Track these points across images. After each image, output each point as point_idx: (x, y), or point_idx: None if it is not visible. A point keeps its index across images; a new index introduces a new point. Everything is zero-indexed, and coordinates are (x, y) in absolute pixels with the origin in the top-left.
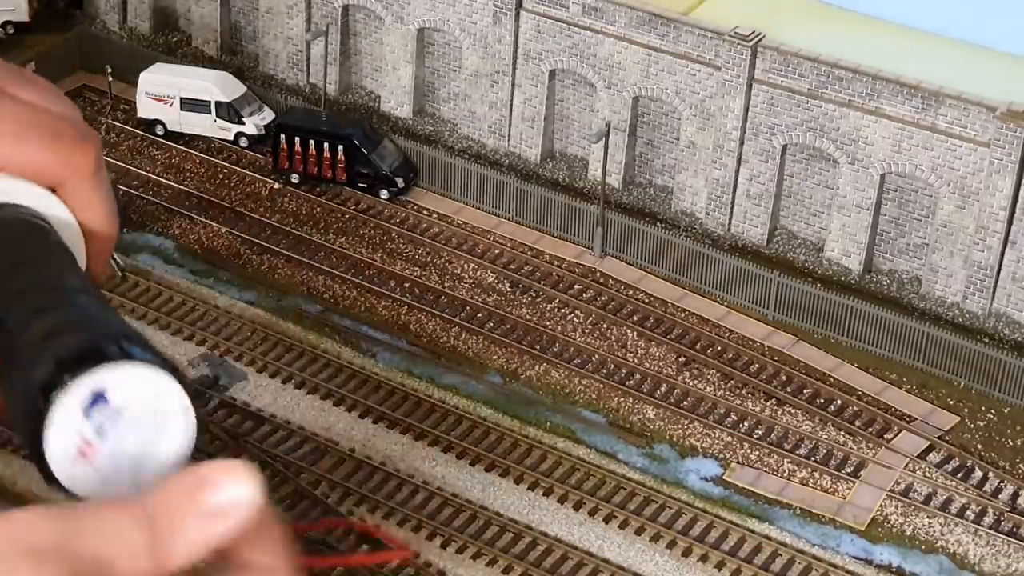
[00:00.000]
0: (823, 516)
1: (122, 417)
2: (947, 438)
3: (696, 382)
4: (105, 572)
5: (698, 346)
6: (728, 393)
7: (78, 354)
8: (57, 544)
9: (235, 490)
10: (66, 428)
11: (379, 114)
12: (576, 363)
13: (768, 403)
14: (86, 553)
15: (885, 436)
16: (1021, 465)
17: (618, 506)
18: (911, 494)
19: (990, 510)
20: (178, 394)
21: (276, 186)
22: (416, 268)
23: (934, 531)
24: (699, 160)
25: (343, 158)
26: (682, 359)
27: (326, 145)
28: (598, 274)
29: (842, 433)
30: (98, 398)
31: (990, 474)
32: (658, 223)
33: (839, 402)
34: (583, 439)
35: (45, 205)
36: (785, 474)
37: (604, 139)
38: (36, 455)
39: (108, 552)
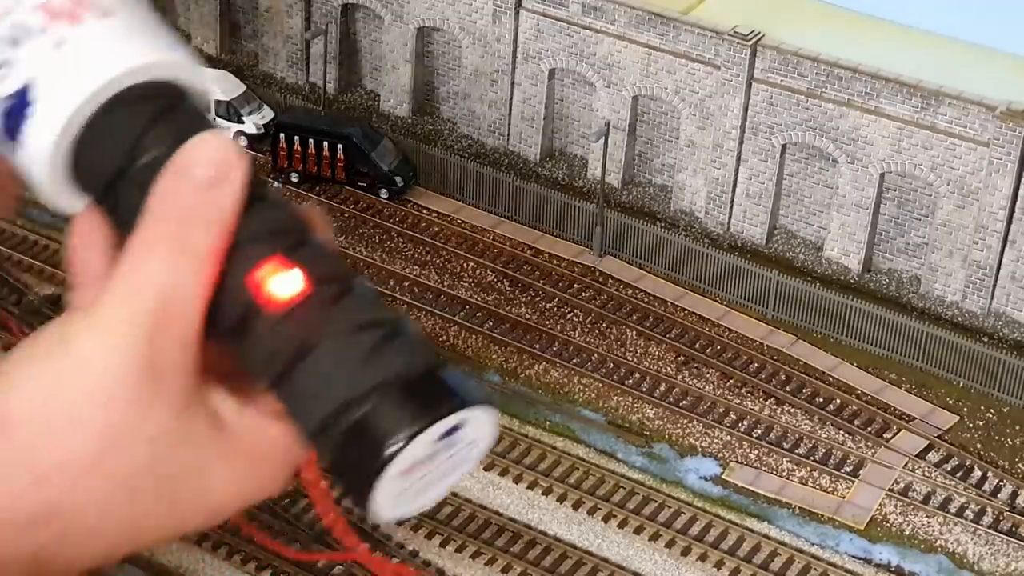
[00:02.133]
0: (822, 515)
1: (451, 449)
2: (946, 437)
3: (695, 381)
4: (167, 308)
5: (697, 345)
6: (727, 392)
7: (448, 383)
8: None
9: (215, 152)
10: (418, 449)
11: (378, 113)
12: (575, 362)
13: (767, 402)
14: (146, 316)
15: (884, 435)
16: (1020, 464)
17: (617, 505)
18: (910, 493)
19: (989, 509)
20: (489, 442)
21: (275, 185)
22: (415, 267)
23: (933, 530)
24: (698, 159)
25: (343, 157)
26: (681, 358)
27: (325, 144)
28: (597, 273)
29: (841, 432)
30: (454, 429)
31: (989, 473)
32: (657, 222)
33: (838, 401)
34: (582, 438)
35: None
36: (784, 473)
37: (603, 138)
38: (365, 463)
39: (161, 311)
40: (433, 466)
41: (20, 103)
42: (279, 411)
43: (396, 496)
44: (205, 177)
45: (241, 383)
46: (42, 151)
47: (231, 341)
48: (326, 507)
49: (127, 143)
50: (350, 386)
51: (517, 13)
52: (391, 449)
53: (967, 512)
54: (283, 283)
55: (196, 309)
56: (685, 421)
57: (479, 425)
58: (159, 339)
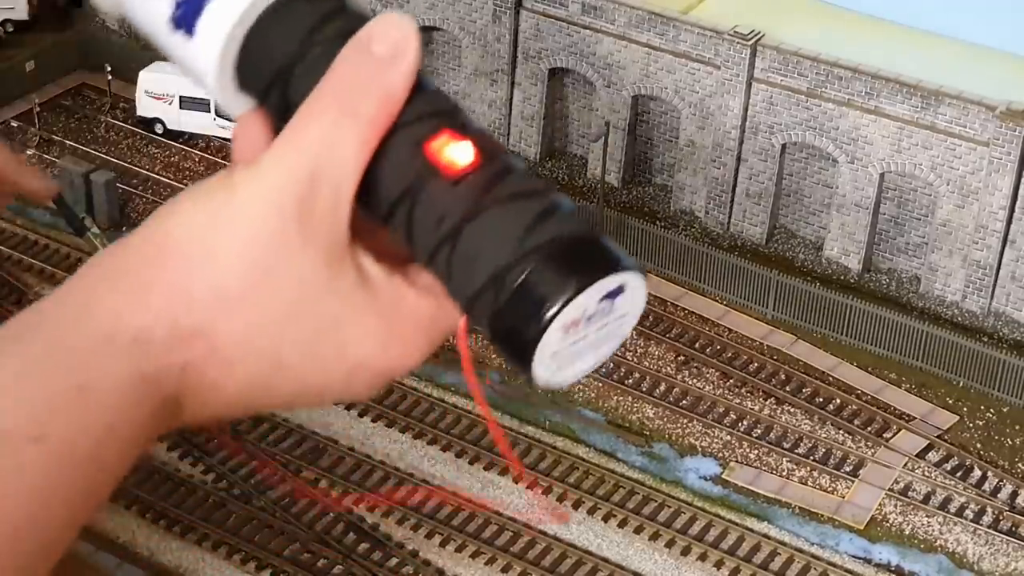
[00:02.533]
0: (822, 515)
1: (606, 316)
2: (946, 437)
3: (695, 381)
4: (325, 165)
5: (697, 345)
6: (727, 392)
7: (609, 247)
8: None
9: (395, 30)
10: (584, 303)
11: None
12: None
13: (767, 402)
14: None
15: (884, 435)
16: (1020, 464)
17: (617, 505)
18: (910, 493)
19: (989, 509)
20: (638, 315)
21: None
22: None
23: (933, 530)
24: (698, 159)
25: None
26: (681, 358)
27: None
28: None
29: (841, 432)
30: (617, 291)
31: (989, 473)
32: (657, 222)
33: (838, 401)
34: (582, 438)
35: None
36: (784, 473)
37: (603, 138)
38: (528, 319)
39: (322, 164)
40: (588, 332)
41: None
42: (428, 285)
43: (553, 359)
44: (382, 53)
45: (390, 259)
46: (216, 40)
47: (390, 213)
48: (477, 392)
49: (299, 38)
50: (516, 247)
51: (517, 13)
52: (557, 305)
53: (967, 512)
54: (457, 152)
55: (353, 170)
56: (685, 421)
57: (634, 294)
58: (314, 192)
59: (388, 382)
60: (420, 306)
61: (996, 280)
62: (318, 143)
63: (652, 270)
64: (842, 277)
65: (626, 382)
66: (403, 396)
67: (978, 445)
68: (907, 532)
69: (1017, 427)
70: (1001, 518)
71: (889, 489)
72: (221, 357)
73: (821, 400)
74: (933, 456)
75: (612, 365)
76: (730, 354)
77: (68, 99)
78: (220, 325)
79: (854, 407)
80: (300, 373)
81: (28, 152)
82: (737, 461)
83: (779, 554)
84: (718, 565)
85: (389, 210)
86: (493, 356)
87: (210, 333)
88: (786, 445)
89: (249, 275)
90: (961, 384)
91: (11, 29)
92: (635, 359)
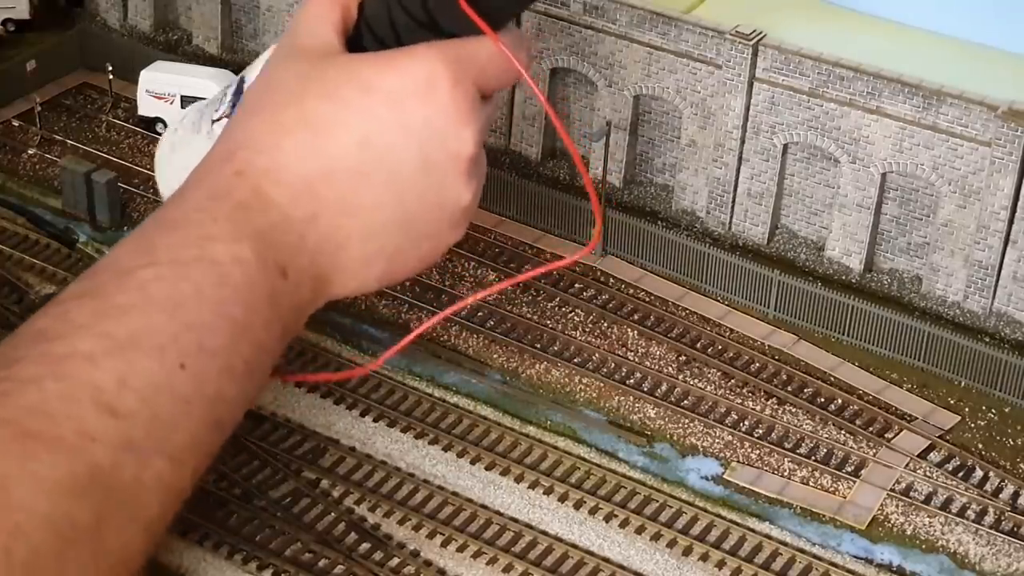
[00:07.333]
0: (824, 515)
1: None
2: (948, 437)
3: (696, 381)
4: (304, 28)
5: (699, 345)
6: (728, 392)
7: None
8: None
9: None
10: None
11: None
12: (576, 362)
13: (769, 402)
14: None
15: (886, 435)
16: (1022, 464)
17: (618, 505)
18: (912, 493)
19: (991, 509)
20: None
21: None
22: None
23: (935, 530)
24: (700, 159)
25: None
26: (683, 358)
27: None
28: (598, 272)
29: (843, 432)
30: None
31: (991, 473)
32: (659, 222)
33: (840, 401)
34: (583, 438)
35: None
36: (786, 473)
37: (605, 138)
38: None
39: (299, 21)
40: None
41: (240, 85)
42: None
43: None
44: None
45: None
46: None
47: (389, 20)
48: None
49: None
50: None
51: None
52: None
53: (968, 512)
54: None
55: (322, 15)
56: (686, 421)
57: None
58: (298, 36)
59: (436, 91)
60: (422, 44)
61: (998, 280)
62: (296, 18)
63: (653, 270)
64: (844, 277)
65: (627, 382)
66: (404, 396)
67: (980, 445)
68: (909, 532)
69: (1019, 427)
70: (1003, 518)
71: (891, 489)
72: (261, 143)
73: (823, 400)
74: (935, 456)
75: (614, 365)
76: (732, 354)
77: (69, 98)
78: (249, 126)
79: (856, 407)
80: (332, 115)
81: (30, 152)
82: (739, 461)
83: (781, 554)
84: (720, 565)
85: (387, 17)
86: (494, 356)
87: (248, 136)
88: (788, 445)
89: (260, 90)
90: (963, 384)
91: (12, 28)
92: (636, 359)
